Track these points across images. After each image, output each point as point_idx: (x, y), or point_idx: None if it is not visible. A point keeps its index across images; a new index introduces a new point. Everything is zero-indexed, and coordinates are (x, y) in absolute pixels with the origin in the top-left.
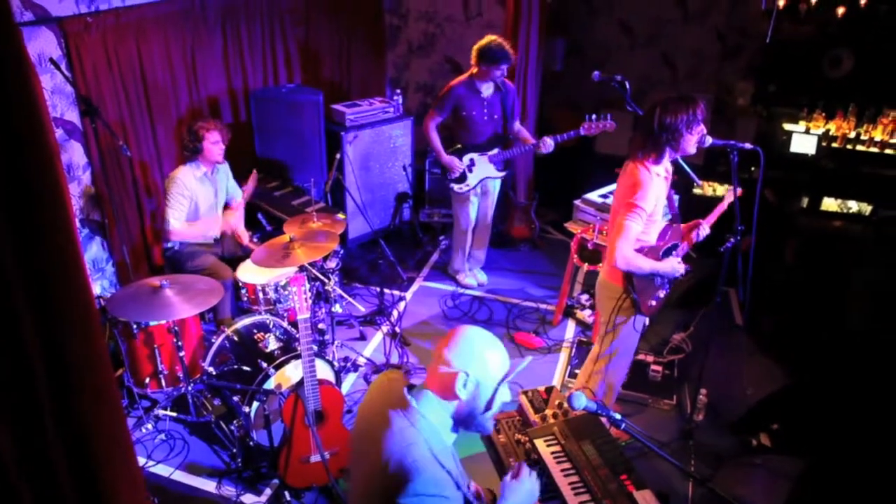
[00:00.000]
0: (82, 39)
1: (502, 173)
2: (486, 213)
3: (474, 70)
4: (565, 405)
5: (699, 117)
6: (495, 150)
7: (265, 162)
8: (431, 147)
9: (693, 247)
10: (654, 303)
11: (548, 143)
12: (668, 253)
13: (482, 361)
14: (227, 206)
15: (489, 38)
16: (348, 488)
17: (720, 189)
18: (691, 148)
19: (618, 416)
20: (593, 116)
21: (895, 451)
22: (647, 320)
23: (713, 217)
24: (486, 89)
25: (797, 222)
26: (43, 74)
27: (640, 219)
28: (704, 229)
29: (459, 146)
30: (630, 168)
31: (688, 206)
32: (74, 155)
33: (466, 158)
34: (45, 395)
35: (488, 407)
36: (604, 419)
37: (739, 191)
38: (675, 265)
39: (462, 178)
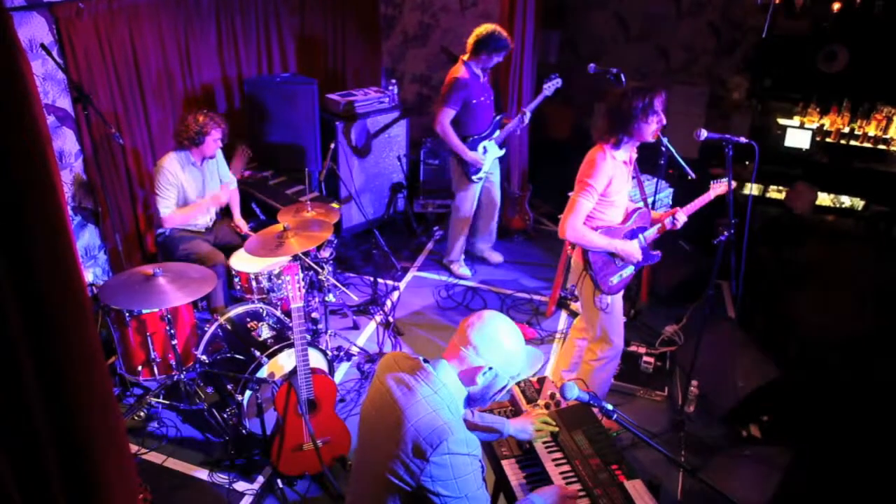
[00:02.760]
0: (74, 25)
1: (503, 150)
2: (492, 189)
3: (467, 57)
4: (557, 395)
5: (656, 107)
6: (497, 133)
7: (259, 151)
8: (452, 146)
9: (687, 238)
10: (615, 281)
11: (526, 115)
12: (633, 236)
13: (505, 357)
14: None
15: (487, 26)
16: (353, 462)
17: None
18: (648, 136)
19: (609, 407)
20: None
21: (885, 441)
22: (614, 300)
23: (693, 207)
24: (481, 75)
25: (791, 217)
26: (34, 60)
27: (592, 196)
28: (681, 217)
29: (469, 138)
30: (590, 151)
31: (681, 200)
32: (66, 142)
33: (480, 148)
34: (35, 384)
35: (496, 393)
36: (595, 409)
37: (726, 186)
38: (632, 248)
39: (479, 169)
